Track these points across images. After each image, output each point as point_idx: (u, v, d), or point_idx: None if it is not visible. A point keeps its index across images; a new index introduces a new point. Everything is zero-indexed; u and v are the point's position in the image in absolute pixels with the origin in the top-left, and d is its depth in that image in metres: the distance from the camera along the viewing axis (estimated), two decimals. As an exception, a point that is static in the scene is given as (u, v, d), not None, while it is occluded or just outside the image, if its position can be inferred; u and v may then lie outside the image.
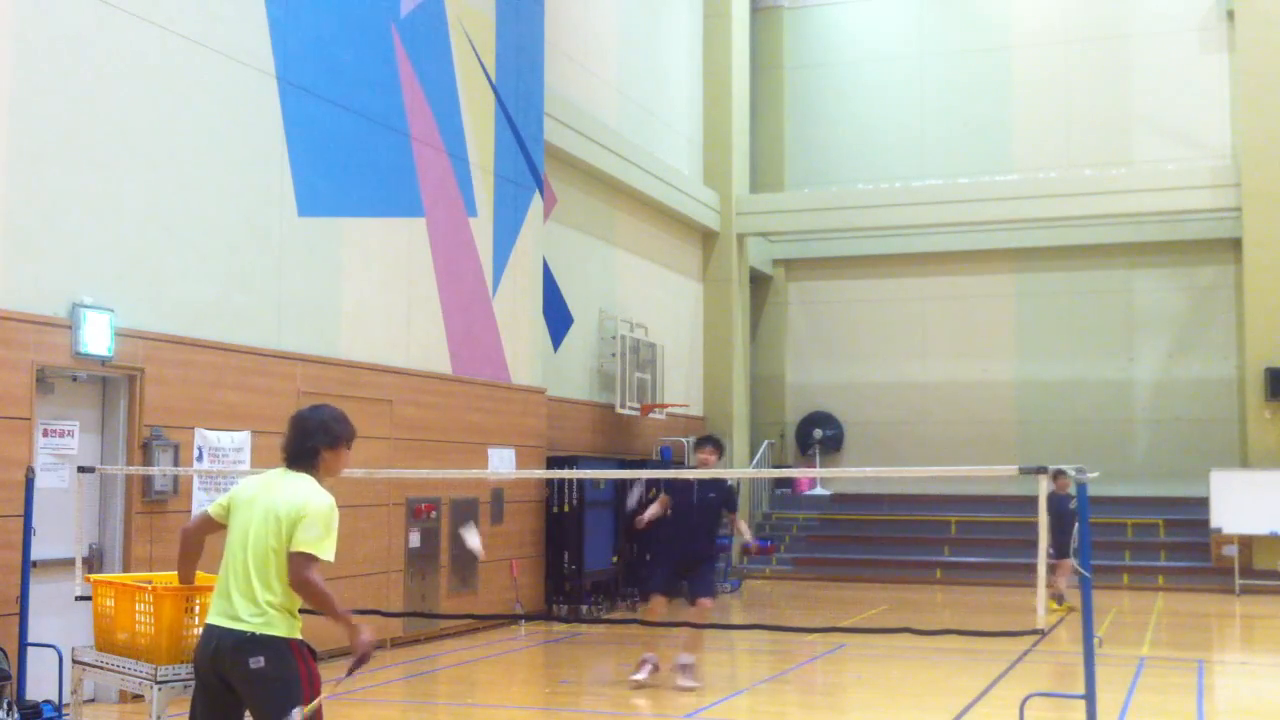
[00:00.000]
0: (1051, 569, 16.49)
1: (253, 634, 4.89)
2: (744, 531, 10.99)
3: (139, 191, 9.91)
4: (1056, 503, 16.10)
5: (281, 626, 4.95)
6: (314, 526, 4.94)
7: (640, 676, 10.52)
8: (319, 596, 4.95)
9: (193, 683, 5.19)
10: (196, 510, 9.96)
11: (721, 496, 10.54)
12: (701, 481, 10.36)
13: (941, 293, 23.54)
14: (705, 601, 10.50)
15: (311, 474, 5.15)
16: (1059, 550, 15.79)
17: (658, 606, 10.73)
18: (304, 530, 4.92)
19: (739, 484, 10.57)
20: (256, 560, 4.97)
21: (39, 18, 9.14)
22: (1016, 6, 23.44)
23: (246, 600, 4.94)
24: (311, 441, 5.15)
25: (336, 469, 5.25)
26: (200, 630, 5.86)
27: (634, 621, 13.81)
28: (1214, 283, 22.04)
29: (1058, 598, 16.07)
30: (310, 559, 4.93)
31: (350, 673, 5.15)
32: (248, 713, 5.05)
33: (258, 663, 4.87)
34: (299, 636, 5.02)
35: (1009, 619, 15.05)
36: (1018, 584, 17.21)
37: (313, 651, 5.11)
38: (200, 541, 5.43)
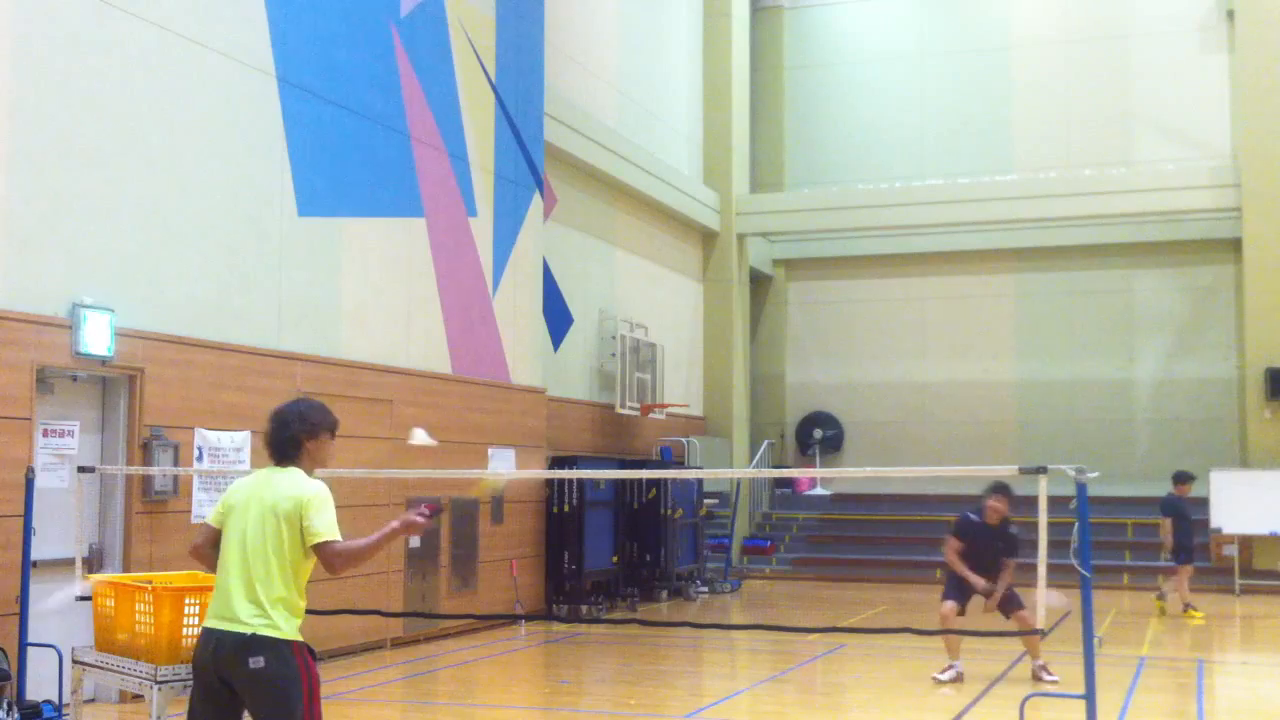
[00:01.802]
0: (1173, 573, 16.23)
1: (254, 635, 4.89)
2: (1003, 579, 11.09)
3: (139, 191, 9.91)
4: (1179, 506, 15.90)
5: (283, 627, 4.95)
6: (318, 515, 5.01)
7: (943, 677, 10.85)
8: (359, 557, 5.04)
9: (192, 683, 5.19)
10: (196, 518, 9.97)
11: (1008, 546, 11.03)
12: (993, 529, 11.00)
13: (941, 293, 23.54)
14: (1022, 613, 10.87)
15: (298, 466, 5.18)
16: (1185, 554, 15.66)
17: (950, 613, 11.01)
18: (311, 522, 4.99)
19: (1016, 531, 11.25)
20: (256, 561, 4.98)
21: (39, 18, 9.14)
22: (1016, 6, 23.44)
23: (246, 601, 4.94)
24: (290, 432, 5.18)
25: (322, 458, 5.27)
26: (200, 631, 5.84)
27: (634, 621, 13.82)
28: (1214, 283, 22.05)
29: (1185, 605, 15.84)
30: (329, 544, 5.00)
31: (427, 516, 5.14)
32: (246, 714, 5.05)
33: (258, 663, 4.87)
34: (300, 638, 5.02)
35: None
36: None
37: (313, 653, 5.11)
38: (211, 550, 5.38)
